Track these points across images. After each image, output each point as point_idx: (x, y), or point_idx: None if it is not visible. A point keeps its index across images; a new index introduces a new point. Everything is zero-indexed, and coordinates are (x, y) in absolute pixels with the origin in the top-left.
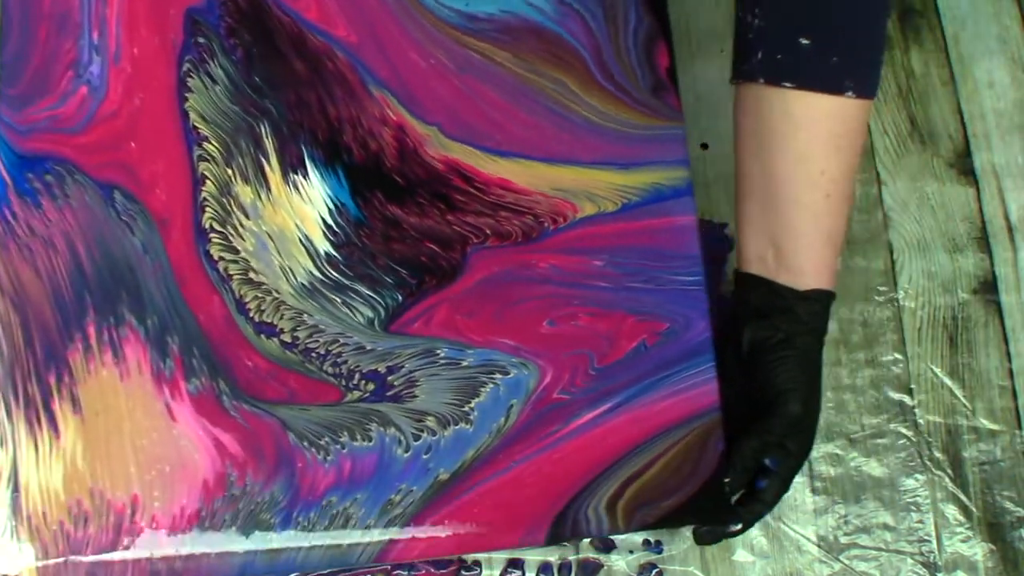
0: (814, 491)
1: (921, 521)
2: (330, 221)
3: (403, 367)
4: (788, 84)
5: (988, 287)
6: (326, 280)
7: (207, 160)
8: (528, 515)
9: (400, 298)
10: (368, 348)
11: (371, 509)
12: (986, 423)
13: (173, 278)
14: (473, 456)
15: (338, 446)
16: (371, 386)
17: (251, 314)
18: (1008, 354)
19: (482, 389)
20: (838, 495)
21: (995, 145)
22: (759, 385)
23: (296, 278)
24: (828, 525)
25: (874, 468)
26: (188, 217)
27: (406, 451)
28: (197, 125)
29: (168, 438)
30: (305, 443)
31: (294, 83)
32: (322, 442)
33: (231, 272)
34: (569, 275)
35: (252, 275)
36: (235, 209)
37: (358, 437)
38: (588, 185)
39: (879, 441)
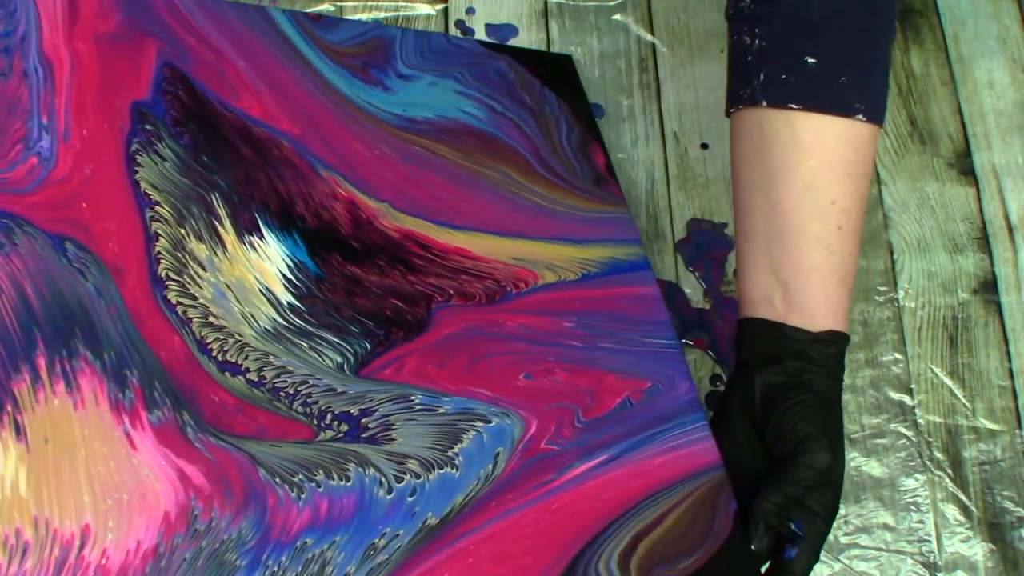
0: None
1: (921, 521)
2: (290, 276)
3: (376, 411)
4: (794, 106)
5: (988, 287)
6: (290, 327)
7: (159, 221)
8: (530, 569)
9: (368, 346)
10: (339, 390)
11: (352, 553)
12: (986, 423)
13: (130, 319)
14: (463, 501)
15: (313, 484)
16: (345, 427)
17: (214, 353)
18: (1008, 354)
19: (464, 435)
20: None
21: (995, 145)
22: (775, 436)
23: (259, 323)
24: None
25: (874, 468)
26: (143, 267)
27: (388, 492)
28: (148, 192)
29: (127, 467)
30: (277, 479)
31: (242, 164)
32: (296, 479)
33: (190, 315)
34: (539, 334)
35: (212, 319)
36: (191, 262)
37: (335, 476)
38: (546, 257)
39: (879, 441)
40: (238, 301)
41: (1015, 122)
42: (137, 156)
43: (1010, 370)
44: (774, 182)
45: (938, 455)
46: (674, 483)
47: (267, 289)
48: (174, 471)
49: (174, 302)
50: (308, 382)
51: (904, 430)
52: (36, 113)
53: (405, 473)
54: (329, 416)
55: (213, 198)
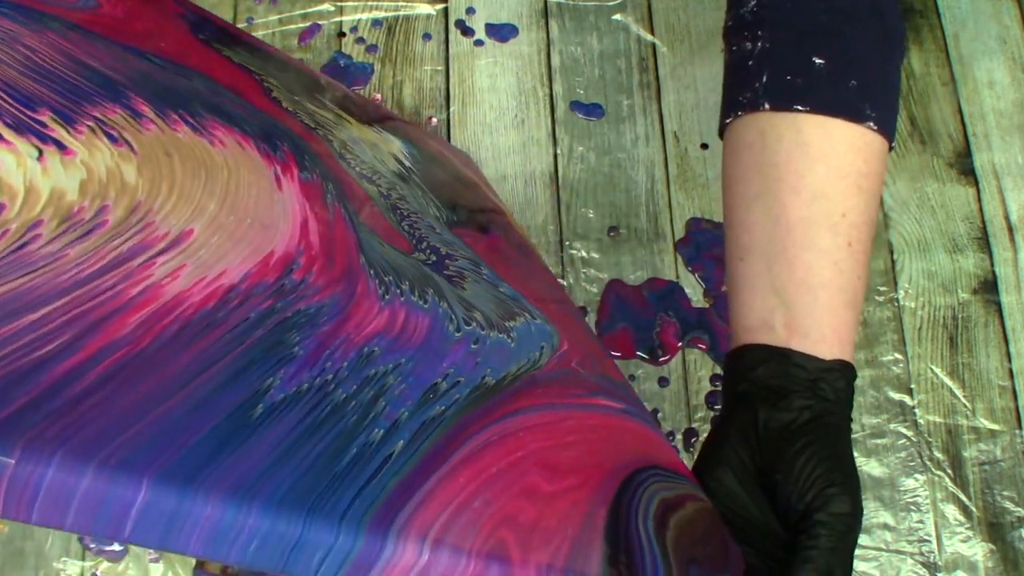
0: None
1: (921, 521)
2: (405, 151)
3: (458, 260)
4: (801, 107)
5: (988, 287)
6: (411, 178)
7: (271, 87)
8: (576, 497)
9: (455, 218)
10: (437, 230)
11: (412, 389)
12: (986, 423)
13: (268, 115)
14: (515, 373)
15: (398, 291)
16: (434, 257)
17: (352, 165)
18: (1008, 354)
19: (518, 317)
20: None
21: (995, 145)
22: (789, 486)
23: (388, 167)
24: None
25: (874, 468)
26: (265, 100)
27: (457, 330)
28: (244, 64)
29: (267, 197)
30: (372, 271)
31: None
32: (387, 278)
33: (330, 138)
34: (560, 299)
35: (349, 148)
36: (318, 116)
37: (417, 293)
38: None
39: (879, 441)
40: (370, 149)
41: (1015, 122)
42: (213, 43)
43: (1010, 370)
44: (778, 192)
45: (938, 455)
46: (686, 477)
47: (390, 152)
48: (301, 219)
49: (311, 125)
50: (418, 212)
51: (904, 430)
52: None
53: (472, 321)
54: (425, 243)
55: (320, 98)
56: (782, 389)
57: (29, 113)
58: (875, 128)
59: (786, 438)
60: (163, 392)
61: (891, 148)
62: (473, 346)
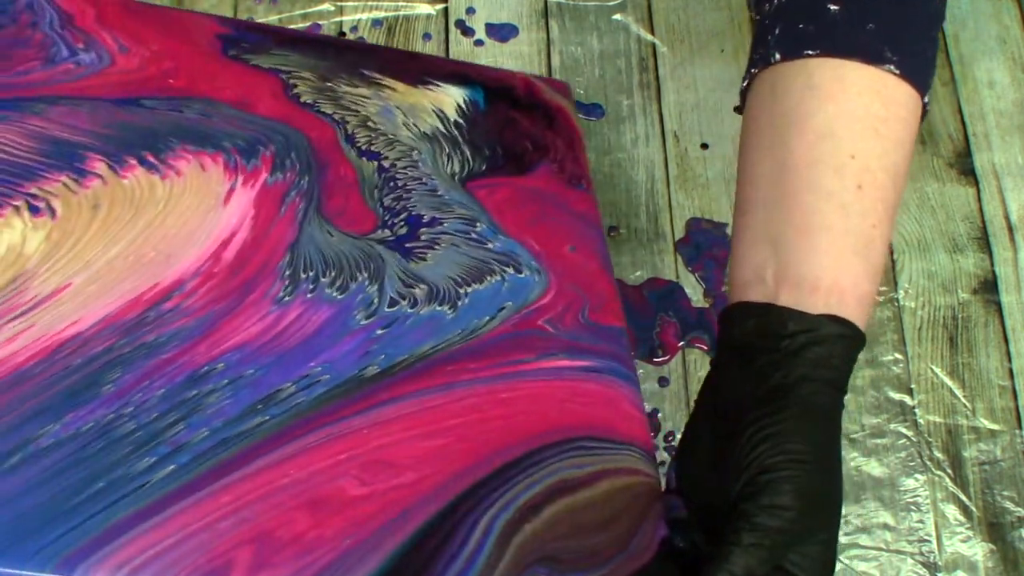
0: None
1: (921, 521)
2: (462, 105)
3: (442, 224)
4: (811, 52)
5: (988, 287)
6: (445, 133)
7: (301, 80)
8: (399, 494)
9: (484, 167)
10: (438, 193)
11: (236, 404)
12: (986, 423)
13: (274, 119)
14: (427, 351)
15: (310, 286)
16: (403, 230)
17: (359, 144)
18: (1008, 354)
19: (488, 278)
20: None
21: (995, 145)
22: (729, 465)
23: (419, 128)
24: None
25: (874, 468)
26: (279, 93)
27: (368, 317)
28: (279, 68)
29: (199, 218)
30: (288, 272)
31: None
32: (303, 275)
33: (347, 119)
34: (596, 234)
35: (370, 124)
36: (345, 106)
37: (338, 285)
38: None
39: (879, 441)
40: (404, 115)
41: (1015, 122)
42: (243, 56)
43: (1010, 370)
44: (785, 137)
45: (938, 455)
46: (626, 442)
47: (439, 110)
48: (227, 235)
49: (329, 111)
50: (422, 179)
51: (904, 430)
52: (61, 44)
53: (404, 298)
54: (403, 215)
55: (366, 72)
56: (749, 352)
57: None
58: (896, 72)
59: (736, 414)
60: None
61: (925, 103)
62: (378, 332)
